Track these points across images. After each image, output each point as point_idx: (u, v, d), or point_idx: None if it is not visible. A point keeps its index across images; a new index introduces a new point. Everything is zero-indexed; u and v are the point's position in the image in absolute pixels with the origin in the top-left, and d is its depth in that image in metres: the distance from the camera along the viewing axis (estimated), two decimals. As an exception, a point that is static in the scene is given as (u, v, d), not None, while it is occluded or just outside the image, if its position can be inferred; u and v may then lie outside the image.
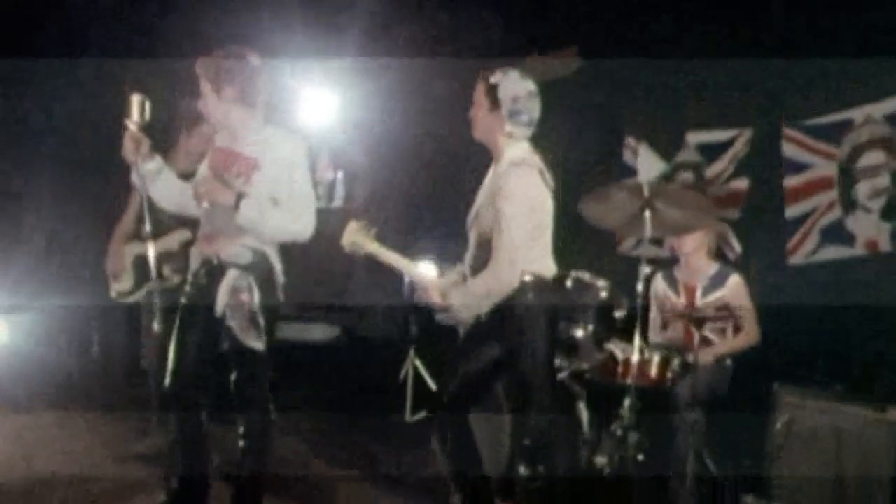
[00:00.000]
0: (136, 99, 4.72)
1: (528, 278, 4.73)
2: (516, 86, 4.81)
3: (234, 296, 4.80)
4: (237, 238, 4.82)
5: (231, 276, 4.82)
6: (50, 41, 8.49)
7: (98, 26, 8.27)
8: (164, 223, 5.74)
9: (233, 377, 4.89)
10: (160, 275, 5.26)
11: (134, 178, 4.91)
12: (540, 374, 4.83)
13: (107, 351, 8.71)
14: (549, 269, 4.90)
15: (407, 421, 7.62)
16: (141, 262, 5.87)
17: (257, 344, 4.80)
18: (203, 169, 5.04)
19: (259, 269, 4.85)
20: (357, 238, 4.94)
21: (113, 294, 6.15)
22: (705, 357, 5.91)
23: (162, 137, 5.28)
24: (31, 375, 8.05)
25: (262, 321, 4.80)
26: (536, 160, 4.86)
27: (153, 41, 8.10)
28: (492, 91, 4.79)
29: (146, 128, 4.77)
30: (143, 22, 8.30)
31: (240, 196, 4.73)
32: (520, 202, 4.70)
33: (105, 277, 6.20)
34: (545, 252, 4.91)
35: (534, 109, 4.87)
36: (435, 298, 4.85)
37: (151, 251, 5.01)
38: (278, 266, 4.98)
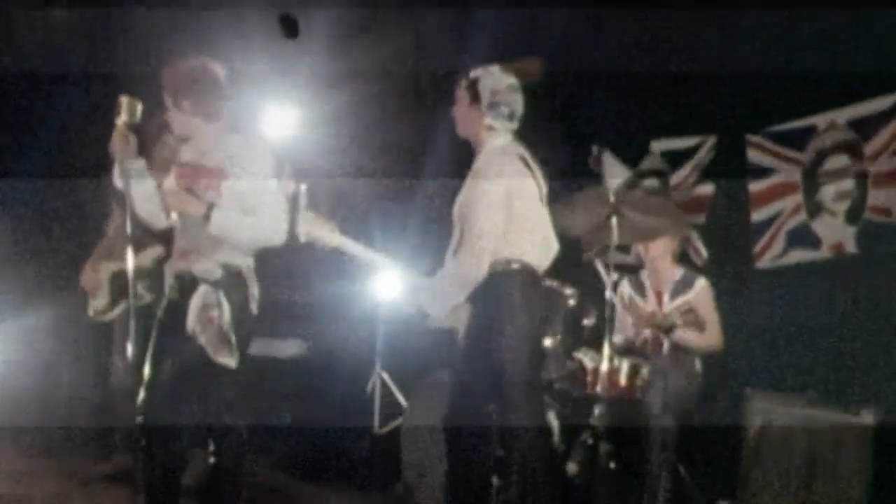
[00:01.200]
0: (125, 100, 4.63)
1: (515, 266, 4.70)
2: (496, 79, 4.84)
3: (204, 312, 4.72)
4: (210, 253, 4.76)
5: (201, 292, 4.74)
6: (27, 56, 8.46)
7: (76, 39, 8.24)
8: (138, 239, 5.68)
9: (207, 396, 4.82)
10: (134, 293, 5.14)
11: (116, 179, 4.76)
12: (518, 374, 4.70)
13: (78, 369, 8.58)
14: (534, 256, 4.81)
15: (376, 432, 7.59)
16: (117, 278, 5.81)
17: (229, 361, 4.72)
18: (170, 182, 4.95)
19: (230, 285, 4.77)
20: (313, 229, 4.81)
21: (90, 312, 6.08)
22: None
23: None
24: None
25: (233, 338, 4.72)
26: (519, 149, 4.86)
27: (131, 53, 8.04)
28: (471, 86, 4.82)
29: (136, 129, 4.68)
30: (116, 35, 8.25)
31: (210, 206, 4.67)
32: (494, 187, 4.68)
33: (77, 296, 6.14)
34: (530, 239, 4.80)
35: (515, 103, 4.88)
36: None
37: (130, 259, 4.89)
38: (253, 281, 4.90)
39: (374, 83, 8.01)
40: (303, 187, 7.63)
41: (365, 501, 6.24)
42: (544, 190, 4.93)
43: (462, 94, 4.86)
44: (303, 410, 7.33)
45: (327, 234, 4.81)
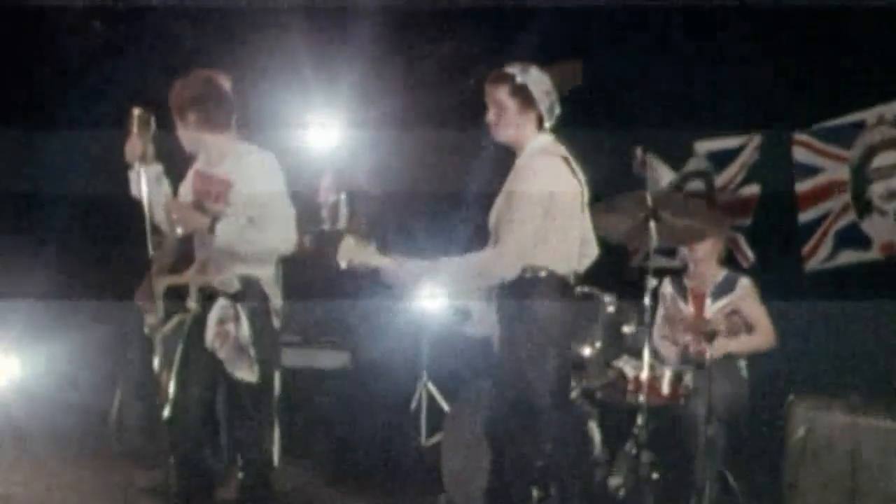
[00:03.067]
0: (135, 112, 4.70)
1: (542, 274, 4.55)
2: (543, 81, 4.71)
3: (221, 326, 4.69)
4: (228, 265, 4.73)
5: (218, 305, 4.73)
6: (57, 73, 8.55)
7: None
8: (186, 255, 5.69)
9: (229, 412, 4.80)
10: (184, 308, 5.12)
11: (132, 185, 4.82)
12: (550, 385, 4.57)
13: (127, 388, 8.62)
14: (565, 264, 4.66)
15: (423, 445, 7.52)
16: (170, 293, 5.82)
17: (248, 375, 4.68)
18: (183, 191, 4.93)
19: (249, 298, 4.74)
20: (354, 255, 4.72)
21: (146, 329, 6.09)
22: (717, 352, 5.75)
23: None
24: (43, 410, 8.01)
25: (252, 352, 4.67)
26: (561, 149, 4.74)
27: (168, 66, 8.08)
28: (521, 91, 4.65)
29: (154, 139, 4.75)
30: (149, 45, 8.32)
31: (215, 219, 4.65)
32: (535, 187, 4.54)
33: (126, 312, 6.15)
34: (563, 246, 4.66)
35: (557, 100, 4.77)
36: (410, 273, 4.60)
37: (163, 280, 4.89)
38: (274, 294, 4.86)
39: (417, 93, 7.97)
40: (343, 196, 7.68)
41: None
42: (586, 193, 4.80)
43: (506, 101, 4.66)
44: (347, 423, 7.26)
45: (368, 256, 4.70)
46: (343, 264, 4.65)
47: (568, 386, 4.92)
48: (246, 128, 4.97)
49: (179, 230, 4.82)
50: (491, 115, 4.72)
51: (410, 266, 4.57)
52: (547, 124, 4.72)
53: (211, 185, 4.79)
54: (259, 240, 4.68)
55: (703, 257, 6.04)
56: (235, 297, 4.72)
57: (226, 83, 4.82)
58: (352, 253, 4.61)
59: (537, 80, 4.67)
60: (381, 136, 7.89)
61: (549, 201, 4.54)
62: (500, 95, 4.67)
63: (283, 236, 4.73)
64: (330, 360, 7.39)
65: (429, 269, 4.55)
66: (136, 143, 4.69)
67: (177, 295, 5.03)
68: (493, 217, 4.75)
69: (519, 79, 4.65)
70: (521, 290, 4.55)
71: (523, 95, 4.65)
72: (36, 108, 8.62)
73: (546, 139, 4.74)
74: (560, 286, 4.63)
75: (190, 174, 4.98)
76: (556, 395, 4.59)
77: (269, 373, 4.81)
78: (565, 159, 4.70)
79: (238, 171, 4.74)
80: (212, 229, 4.63)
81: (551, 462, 4.69)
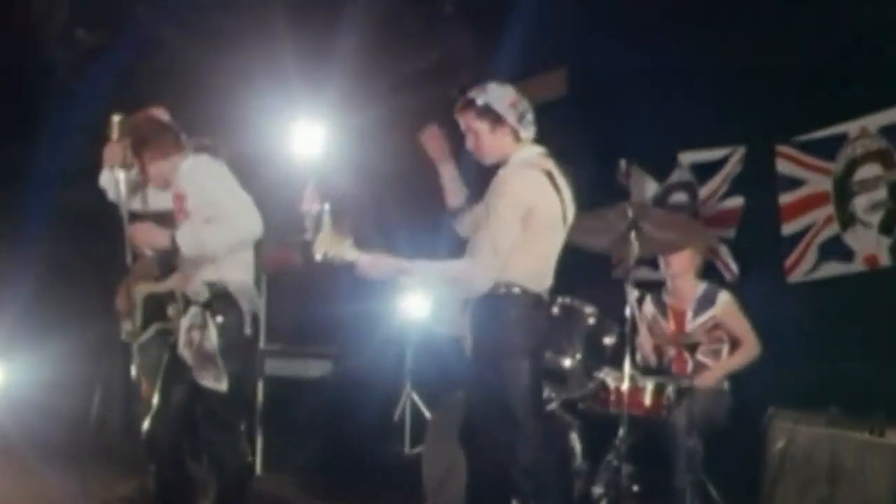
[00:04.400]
0: (115, 119, 4.85)
1: (515, 290, 4.52)
2: (503, 93, 4.63)
3: (188, 334, 4.75)
4: (194, 274, 4.82)
5: (190, 313, 4.81)
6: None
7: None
8: (169, 263, 5.71)
9: (200, 416, 4.82)
10: (163, 316, 5.15)
11: (110, 191, 4.96)
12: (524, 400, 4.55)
13: (107, 393, 8.61)
14: (541, 281, 4.65)
15: (407, 453, 7.52)
16: (151, 301, 5.85)
17: (215, 384, 4.70)
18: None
19: (218, 306, 4.78)
20: (331, 247, 4.70)
21: (123, 335, 6.11)
22: (707, 380, 5.77)
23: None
24: (26, 418, 8.00)
25: (219, 361, 4.69)
26: (546, 163, 4.67)
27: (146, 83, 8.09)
28: (486, 111, 4.59)
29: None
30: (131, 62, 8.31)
31: (172, 233, 4.73)
32: (514, 199, 4.49)
33: (107, 319, 6.16)
34: (540, 262, 4.65)
35: (528, 107, 4.70)
36: (383, 269, 4.57)
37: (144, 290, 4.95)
38: (245, 301, 4.87)
39: (402, 100, 7.96)
40: (326, 206, 7.64)
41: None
42: (570, 211, 4.73)
43: (476, 125, 4.63)
44: (330, 431, 7.26)
45: (343, 251, 4.68)
46: (319, 257, 4.64)
47: (540, 402, 4.87)
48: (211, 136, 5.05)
49: (148, 251, 5.03)
50: (469, 143, 4.70)
51: (385, 263, 4.55)
52: (524, 135, 4.66)
53: (175, 202, 4.91)
54: (220, 234, 4.72)
55: (680, 272, 6.05)
56: (205, 306, 4.77)
57: (163, 115, 4.98)
58: (327, 246, 4.58)
59: (498, 95, 4.62)
60: (365, 144, 7.88)
61: (526, 215, 4.50)
62: (470, 121, 4.65)
63: (242, 223, 4.77)
64: (313, 368, 7.37)
65: (404, 269, 4.53)
66: (115, 150, 4.83)
67: (156, 303, 5.07)
68: (470, 226, 4.75)
69: (480, 101, 4.60)
70: (493, 305, 4.53)
71: (490, 115, 4.60)
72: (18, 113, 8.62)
73: (531, 152, 4.69)
74: (532, 304, 4.60)
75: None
76: (529, 413, 4.53)
77: (239, 381, 4.80)
78: (548, 173, 4.63)
79: (184, 182, 4.85)
80: (174, 243, 4.71)
81: (527, 474, 4.65)
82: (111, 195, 5.00)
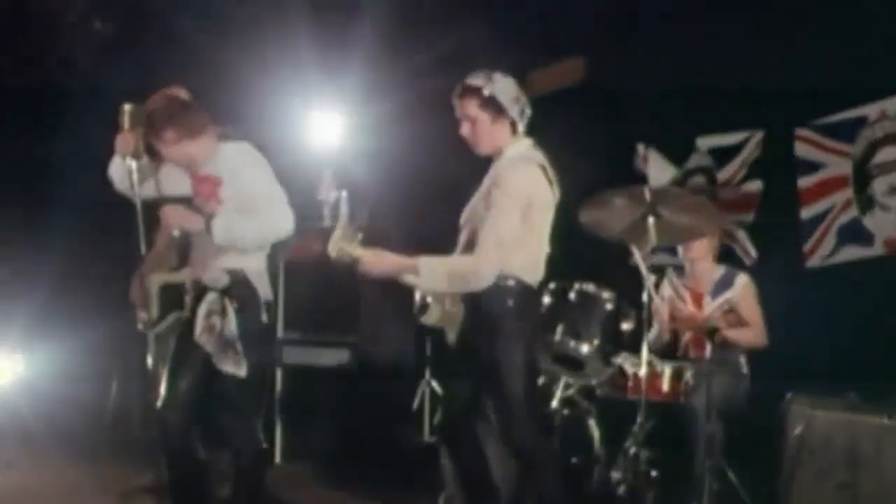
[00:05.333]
0: (126, 108, 4.76)
1: (510, 283, 4.53)
2: (509, 87, 4.66)
3: (207, 320, 4.74)
4: (214, 261, 4.78)
5: (208, 299, 4.79)
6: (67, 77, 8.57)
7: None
8: (184, 253, 5.70)
9: (218, 404, 4.81)
10: (180, 305, 5.13)
11: (123, 180, 4.88)
12: (521, 391, 4.55)
13: (125, 385, 8.63)
14: (535, 274, 4.66)
15: (424, 442, 7.51)
16: (167, 290, 5.83)
17: (236, 370, 4.70)
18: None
19: (236, 293, 4.78)
20: (342, 244, 4.70)
21: (139, 325, 6.09)
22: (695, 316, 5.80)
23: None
24: (47, 409, 8.04)
25: (239, 347, 4.70)
26: (539, 156, 4.70)
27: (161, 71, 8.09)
28: (491, 102, 4.60)
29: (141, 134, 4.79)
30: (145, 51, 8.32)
31: (209, 217, 4.70)
32: (516, 193, 4.52)
33: (126, 310, 6.15)
34: (536, 255, 4.66)
35: (527, 103, 4.73)
36: (387, 266, 4.52)
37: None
38: (263, 288, 4.89)
39: (419, 88, 7.94)
40: (343, 194, 7.64)
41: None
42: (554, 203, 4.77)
43: (478, 113, 4.62)
44: (348, 420, 7.25)
45: (351, 248, 4.67)
46: (333, 255, 4.64)
47: (534, 386, 4.86)
48: (230, 125, 5.01)
49: (176, 232, 4.87)
50: (465, 130, 4.68)
51: (389, 260, 4.52)
52: (520, 128, 4.69)
53: (202, 186, 4.85)
54: (256, 228, 4.74)
55: (699, 256, 6.02)
56: (224, 292, 4.76)
57: (185, 94, 4.90)
58: (338, 244, 4.59)
59: (504, 88, 4.64)
60: (383, 132, 7.86)
61: (527, 209, 4.54)
62: (471, 110, 4.63)
63: (278, 220, 4.79)
64: (331, 357, 7.36)
65: (408, 267, 4.48)
66: (128, 139, 4.74)
67: (173, 293, 5.06)
68: (465, 218, 4.75)
69: (486, 91, 4.59)
70: (490, 295, 4.53)
71: (494, 106, 4.61)
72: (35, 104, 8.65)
73: (525, 145, 4.72)
74: (528, 294, 4.63)
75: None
76: (522, 394, 4.53)
77: (257, 367, 4.80)
78: (542, 167, 4.67)
79: (223, 167, 4.82)
80: (208, 228, 4.68)
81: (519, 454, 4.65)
82: (118, 185, 4.94)
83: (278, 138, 7.30)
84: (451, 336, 4.73)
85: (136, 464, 6.38)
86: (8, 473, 6.80)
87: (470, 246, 4.60)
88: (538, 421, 4.73)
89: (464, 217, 4.77)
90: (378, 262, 4.52)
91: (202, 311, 4.76)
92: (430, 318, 4.64)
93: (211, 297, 4.77)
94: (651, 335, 5.88)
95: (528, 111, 4.70)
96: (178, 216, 4.81)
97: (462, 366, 4.74)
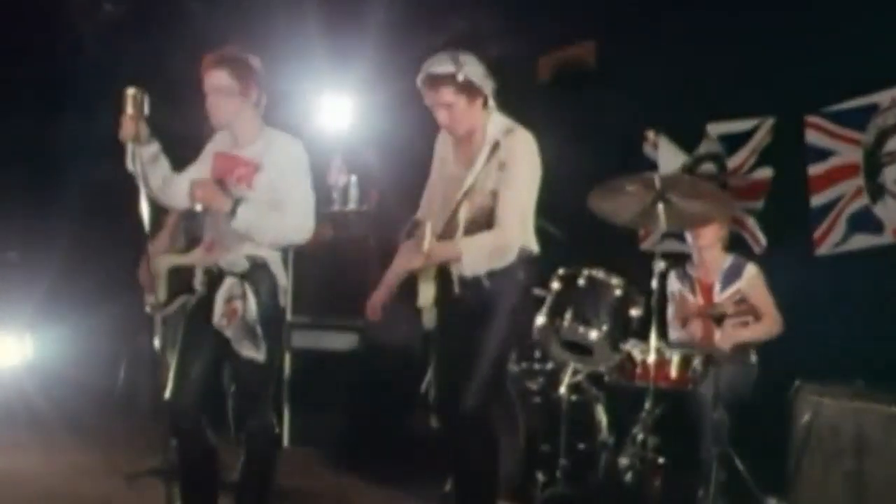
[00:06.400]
0: (129, 91, 4.61)
1: (528, 254, 4.60)
2: (478, 66, 4.57)
3: (228, 305, 4.68)
4: (235, 246, 4.73)
5: (227, 284, 4.72)
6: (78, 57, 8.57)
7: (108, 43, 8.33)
8: (196, 235, 5.69)
9: (232, 388, 4.80)
10: (188, 288, 5.11)
11: (129, 163, 4.72)
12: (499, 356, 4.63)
13: (134, 367, 8.66)
14: (533, 242, 4.68)
15: (433, 427, 7.50)
16: (175, 273, 5.82)
17: (255, 354, 4.68)
18: (195, 171, 4.91)
19: (256, 278, 4.74)
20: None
21: (147, 307, 6.08)
22: (724, 343, 5.74)
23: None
24: (55, 392, 8.08)
25: (259, 331, 4.67)
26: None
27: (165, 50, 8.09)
28: (466, 85, 4.51)
29: (148, 119, 4.65)
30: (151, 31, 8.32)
31: (237, 202, 4.61)
32: (528, 162, 4.56)
33: (135, 293, 6.15)
34: (532, 222, 4.67)
35: (492, 76, 4.64)
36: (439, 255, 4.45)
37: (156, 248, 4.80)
38: (280, 273, 4.86)
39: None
40: (353, 179, 7.65)
41: (418, 496, 6.13)
42: None
43: (452, 98, 4.53)
44: (356, 405, 7.25)
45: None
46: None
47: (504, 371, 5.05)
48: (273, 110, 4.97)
49: (199, 207, 4.79)
50: (442, 118, 4.62)
51: (440, 250, 4.44)
52: (491, 102, 4.63)
53: (235, 166, 4.77)
54: (278, 226, 4.68)
55: (708, 244, 6.02)
56: (243, 277, 4.72)
57: (255, 59, 4.80)
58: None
59: (475, 69, 4.55)
60: (393, 116, 7.84)
61: (535, 180, 4.60)
62: (446, 97, 4.55)
63: (301, 224, 4.73)
64: (340, 341, 7.36)
65: (455, 254, 4.45)
66: (129, 124, 4.60)
67: (181, 275, 5.03)
68: (461, 201, 4.62)
69: (460, 76, 4.49)
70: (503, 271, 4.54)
71: (469, 89, 4.54)
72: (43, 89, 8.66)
73: (505, 119, 4.66)
74: (534, 265, 4.68)
75: (206, 156, 4.95)
76: (493, 375, 4.59)
77: (275, 351, 4.79)
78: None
79: (267, 155, 4.74)
80: (233, 212, 4.59)
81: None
82: (130, 168, 4.74)
83: (288, 122, 7.29)
84: (429, 318, 4.72)
85: (145, 447, 6.37)
86: (16, 455, 6.84)
87: (478, 223, 4.54)
88: (494, 396, 4.70)
89: (455, 192, 4.65)
90: (438, 251, 4.43)
91: (221, 295, 4.70)
92: (424, 301, 4.66)
93: (231, 282, 4.71)
94: (677, 336, 5.93)
95: (495, 83, 4.62)
96: (207, 193, 4.67)
97: (452, 343, 4.71)
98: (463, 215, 4.59)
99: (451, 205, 4.65)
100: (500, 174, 4.52)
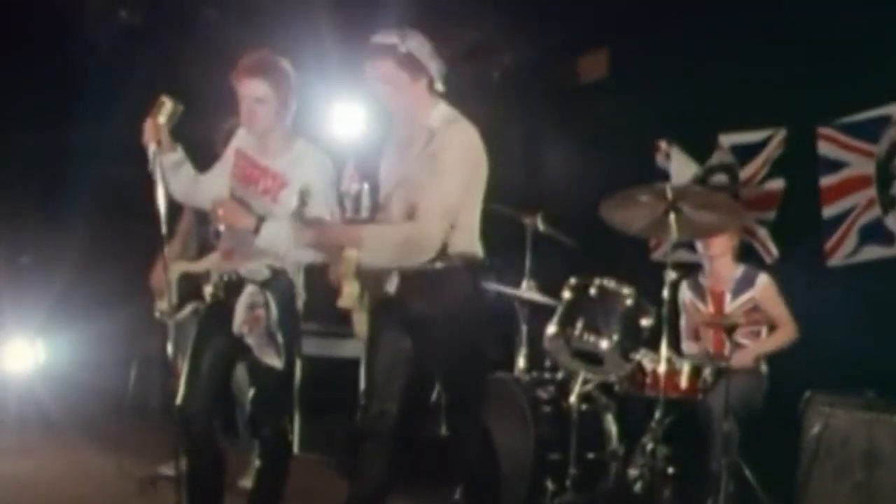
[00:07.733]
0: (163, 100, 4.63)
1: (466, 261, 4.25)
2: (424, 45, 4.27)
3: (251, 312, 4.68)
4: (256, 256, 4.70)
5: (248, 291, 4.71)
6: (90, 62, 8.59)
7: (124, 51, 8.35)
8: (207, 242, 5.71)
9: (250, 395, 4.81)
10: (199, 295, 5.12)
11: (150, 166, 4.66)
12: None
13: (144, 372, 8.68)
14: (476, 247, 4.35)
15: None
16: (186, 279, 5.83)
17: (275, 361, 4.69)
18: (218, 172, 4.89)
19: (277, 286, 4.73)
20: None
21: (157, 313, 6.10)
22: (743, 359, 5.73)
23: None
24: (67, 396, 8.09)
25: (280, 338, 4.68)
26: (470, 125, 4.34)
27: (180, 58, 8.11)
28: (409, 60, 4.21)
29: (172, 129, 4.65)
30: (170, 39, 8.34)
31: (260, 220, 4.55)
32: (467, 158, 4.21)
33: (146, 298, 6.17)
34: (473, 227, 4.32)
35: (441, 61, 4.35)
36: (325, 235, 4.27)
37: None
38: (299, 282, 4.86)
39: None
40: (365, 186, 7.64)
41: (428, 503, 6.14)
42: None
43: (395, 73, 4.21)
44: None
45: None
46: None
47: (478, 396, 4.86)
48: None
49: (221, 227, 4.80)
50: (382, 94, 4.32)
51: (328, 229, 4.32)
52: (438, 87, 4.31)
53: (262, 177, 4.73)
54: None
55: (719, 254, 6.01)
56: (264, 285, 4.71)
57: (290, 68, 4.77)
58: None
59: (419, 45, 4.24)
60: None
61: (469, 175, 4.25)
62: (387, 70, 4.23)
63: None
64: (349, 349, 7.36)
65: (350, 238, 4.20)
66: (155, 130, 4.59)
67: (191, 282, 5.03)
68: (392, 184, 4.44)
69: (402, 48, 4.19)
70: (449, 279, 4.25)
71: (412, 65, 4.22)
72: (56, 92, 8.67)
73: (448, 108, 4.34)
74: (484, 274, 4.50)
75: (229, 156, 4.90)
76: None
77: (293, 359, 4.82)
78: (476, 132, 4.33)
79: (296, 172, 4.65)
80: (257, 230, 4.53)
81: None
82: (153, 175, 4.65)
83: (300, 129, 7.32)
84: (360, 327, 4.50)
85: (156, 451, 6.37)
86: (28, 460, 6.85)
87: (408, 216, 4.23)
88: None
89: (389, 183, 4.48)
90: (334, 231, 4.29)
91: (243, 303, 4.68)
92: (346, 302, 4.29)
93: (252, 290, 4.69)
94: (690, 350, 5.93)
95: (444, 71, 4.33)
96: (229, 213, 4.62)
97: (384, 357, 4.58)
98: (396, 209, 4.36)
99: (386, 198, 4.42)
100: (430, 165, 4.20)
